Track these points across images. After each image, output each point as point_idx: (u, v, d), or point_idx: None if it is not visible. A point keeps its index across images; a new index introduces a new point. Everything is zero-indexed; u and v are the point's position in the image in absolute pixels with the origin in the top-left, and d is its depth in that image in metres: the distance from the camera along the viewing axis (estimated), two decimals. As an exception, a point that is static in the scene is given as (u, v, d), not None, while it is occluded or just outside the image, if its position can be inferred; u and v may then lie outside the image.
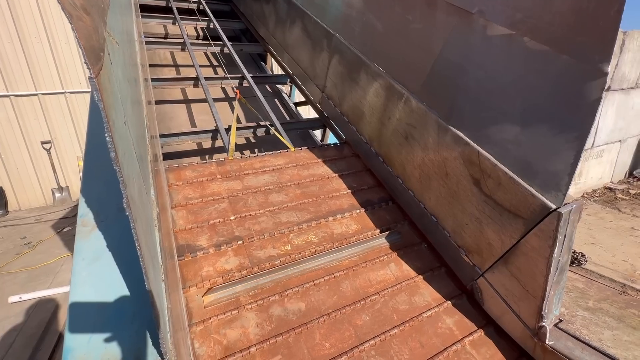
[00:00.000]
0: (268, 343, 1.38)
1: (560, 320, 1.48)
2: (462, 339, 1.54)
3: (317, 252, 1.81)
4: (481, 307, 1.70)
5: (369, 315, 1.58)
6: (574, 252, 5.65)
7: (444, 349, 1.48)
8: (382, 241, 1.98)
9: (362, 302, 1.61)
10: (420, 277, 1.81)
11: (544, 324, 1.41)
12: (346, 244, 1.90)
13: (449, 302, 1.70)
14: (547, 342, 1.40)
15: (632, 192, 8.70)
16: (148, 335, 1.08)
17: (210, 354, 1.32)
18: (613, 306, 4.49)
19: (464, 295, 1.76)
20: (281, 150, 2.55)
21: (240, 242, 1.78)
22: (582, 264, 5.48)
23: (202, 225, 1.83)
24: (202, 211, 1.92)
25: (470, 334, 1.57)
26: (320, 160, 2.53)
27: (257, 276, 1.63)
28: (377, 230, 2.03)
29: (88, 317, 1.12)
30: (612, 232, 6.71)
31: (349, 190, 2.28)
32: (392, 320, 1.57)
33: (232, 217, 1.91)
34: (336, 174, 2.41)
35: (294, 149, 2.59)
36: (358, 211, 2.13)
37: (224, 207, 1.96)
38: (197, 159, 3.06)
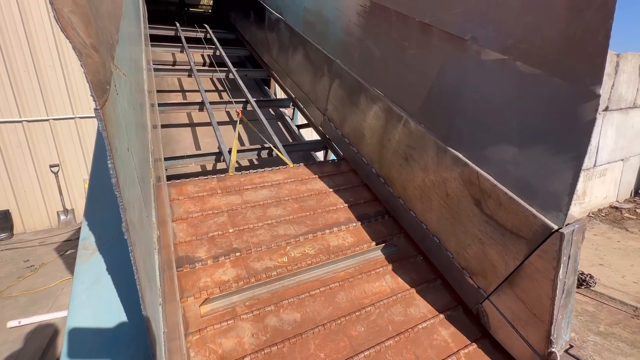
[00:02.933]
0: (263, 353, 1.37)
1: (571, 346, 1.43)
2: (457, 351, 1.52)
3: (314, 264, 1.82)
4: (477, 319, 1.67)
5: (364, 326, 1.56)
6: (582, 273, 5.50)
7: None
8: (378, 253, 1.98)
9: (357, 313, 1.60)
10: (416, 289, 1.80)
11: (553, 349, 1.36)
12: (342, 256, 1.90)
13: (445, 314, 1.68)
14: (557, 369, 1.35)
15: (639, 211, 8.57)
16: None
17: None
18: (626, 331, 4.32)
19: (460, 307, 1.74)
20: (280, 167, 2.58)
21: (238, 254, 1.80)
22: (590, 286, 5.33)
23: (202, 238, 1.85)
24: (202, 224, 1.95)
25: (466, 346, 1.55)
26: (317, 175, 2.56)
27: (254, 287, 1.64)
28: (373, 243, 2.03)
29: (85, 341, 1.11)
30: (621, 252, 6.55)
31: (346, 204, 2.30)
32: (387, 331, 1.55)
33: (230, 230, 1.93)
34: (333, 189, 2.43)
35: (292, 165, 2.62)
36: (354, 224, 2.14)
37: (223, 221, 1.99)
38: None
